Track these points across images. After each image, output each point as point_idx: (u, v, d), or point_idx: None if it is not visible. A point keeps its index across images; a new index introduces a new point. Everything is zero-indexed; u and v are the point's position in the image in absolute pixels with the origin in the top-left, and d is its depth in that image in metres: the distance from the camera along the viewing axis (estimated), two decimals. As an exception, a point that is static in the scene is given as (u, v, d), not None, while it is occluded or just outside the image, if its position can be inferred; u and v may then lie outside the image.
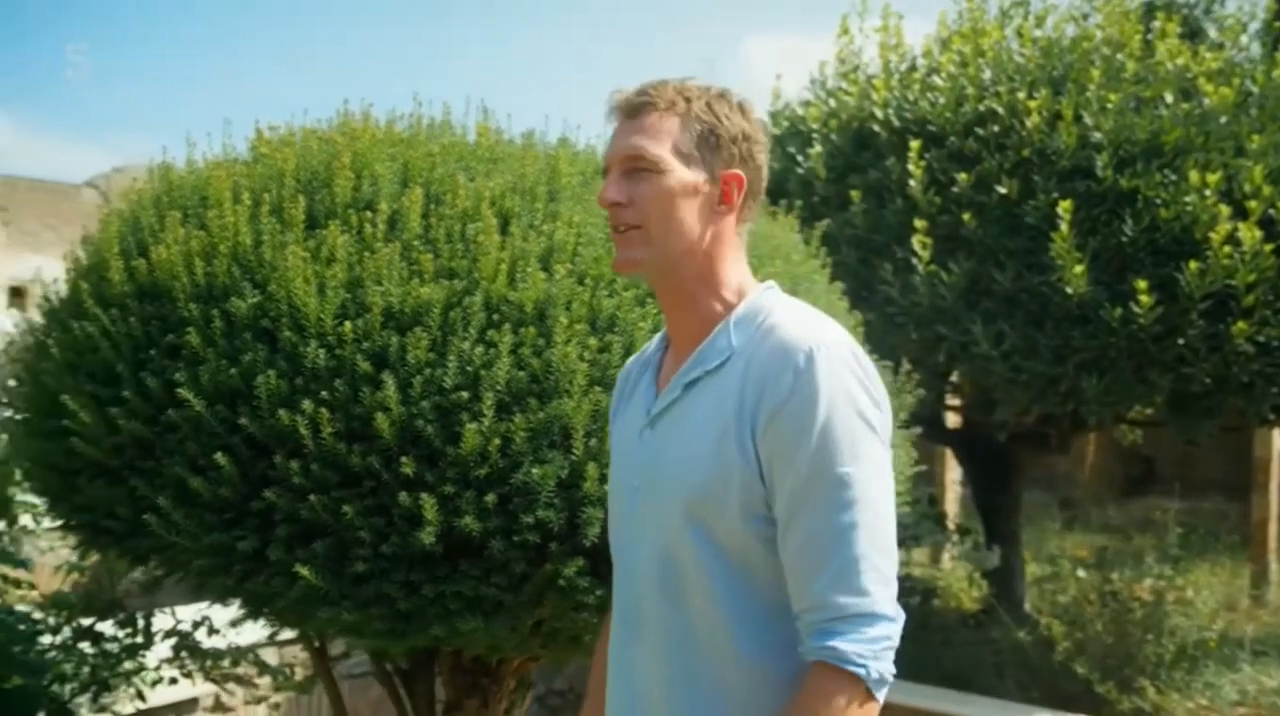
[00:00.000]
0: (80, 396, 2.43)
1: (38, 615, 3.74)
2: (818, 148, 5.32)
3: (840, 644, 1.29)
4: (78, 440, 2.43)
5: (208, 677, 3.93)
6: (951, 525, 7.84)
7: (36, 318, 3.23)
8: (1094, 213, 4.71)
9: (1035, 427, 6.31)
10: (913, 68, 5.54)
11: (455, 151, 2.60)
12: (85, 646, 3.70)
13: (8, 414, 3.32)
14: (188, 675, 3.88)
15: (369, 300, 2.24)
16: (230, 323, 2.31)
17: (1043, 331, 4.77)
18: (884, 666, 1.32)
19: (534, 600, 2.26)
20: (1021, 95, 4.95)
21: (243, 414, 2.25)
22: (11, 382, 3.33)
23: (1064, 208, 4.52)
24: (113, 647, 3.71)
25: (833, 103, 5.55)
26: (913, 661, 5.94)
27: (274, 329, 2.28)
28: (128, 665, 3.75)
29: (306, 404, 2.18)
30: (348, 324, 2.22)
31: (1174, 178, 4.64)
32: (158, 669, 3.83)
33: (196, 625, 3.78)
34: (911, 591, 6.75)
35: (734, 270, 1.47)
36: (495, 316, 2.26)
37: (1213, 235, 4.45)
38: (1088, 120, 4.77)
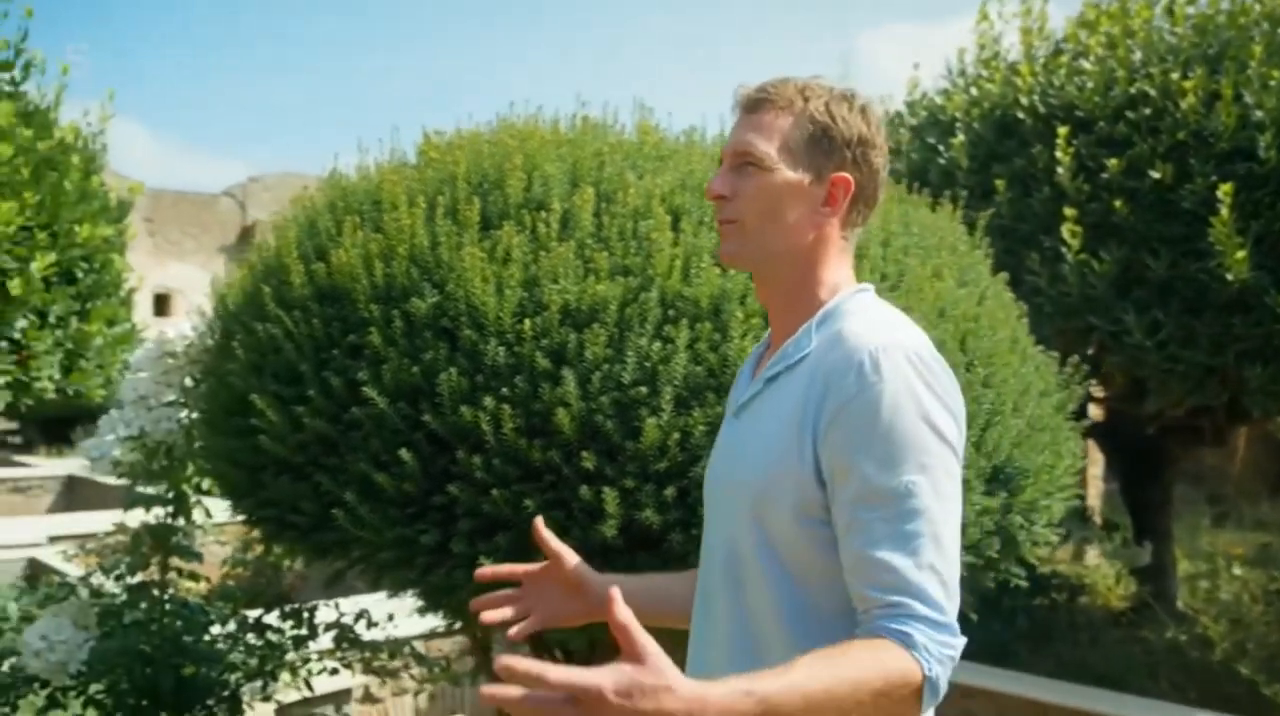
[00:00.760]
0: (266, 396, 2.52)
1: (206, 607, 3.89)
2: (960, 137, 5.22)
3: (914, 631, 1.21)
4: (264, 438, 2.53)
5: (367, 669, 4.04)
6: (1097, 520, 7.61)
7: (190, 324, 3.36)
8: (1255, 195, 4.51)
9: (1186, 420, 6.08)
10: (1057, 51, 5.39)
11: (622, 150, 2.62)
12: (251, 637, 3.84)
13: (183, 414, 3.47)
14: (348, 666, 4.00)
15: (546, 298, 2.27)
16: (410, 322, 2.37)
17: (1200, 319, 4.60)
18: (943, 673, 1.22)
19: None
20: (1175, 76, 4.77)
21: (424, 411, 2.31)
22: (188, 382, 3.48)
23: (1224, 191, 4.34)
24: (277, 638, 3.84)
25: (974, 91, 5.44)
26: (1062, 660, 5.82)
27: (454, 328, 2.33)
28: (291, 656, 3.87)
29: (488, 400, 2.23)
30: (526, 321, 2.26)
31: (1344, 157, 4.42)
32: (320, 660, 3.96)
33: (357, 618, 3.89)
34: (1058, 588, 6.58)
35: (834, 273, 1.44)
36: (671, 312, 2.27)
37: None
38: (1248, 99, 4.57)
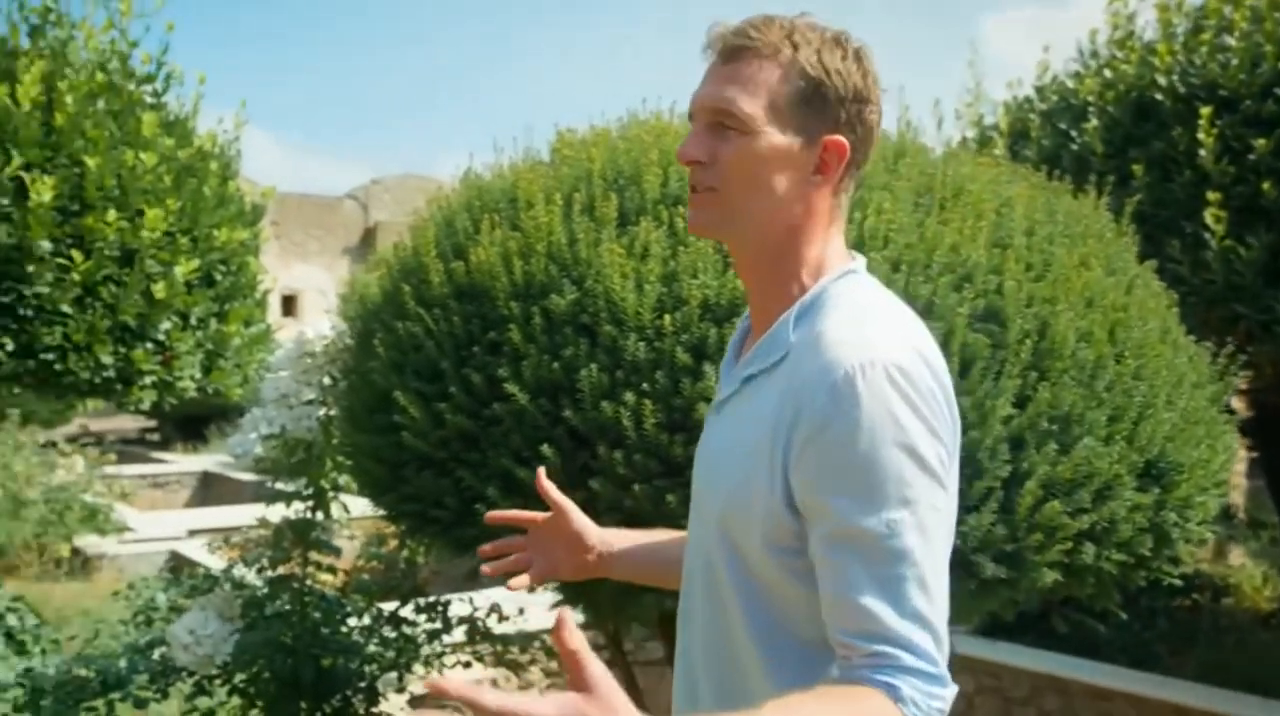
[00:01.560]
0: (408, 392, 2.56)
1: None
2: (1093, 121, 5.05)
3: (901, 683, 1.09)
4: (406, 434, 2.57)
5: (498, 662, 4.10)
6: (1242, 517, 7.29)
7: (329, 323, 3.44)
8: None
9: (1339, 413, 5.80)
10: (1198, 28, 5.16)
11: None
12: (387, 630, 3.92)
13: (322, 411, 3.56)
14: (480, 659, 4.06)
15: (686, 293, 2.26)
16: (550, 319, 2.39)
17: (1359, 307, 4.36)
18: None
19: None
20: (1327, 50, 4.54)
21: (565, 406, 2.32)
22: (326, 381, 3.57)
23: (1383, 171, 4.12)
24: (412, 631, 3.92)
25: (1107, 73, 5.25)
26: (1205, 664, 5.59)
27: (593, 324, 2.34)
28: (425, 649, 3.95)
29: (628, 396, 2.23)
30: (666, 317, 2.25)
31: None
32: (452, 652, 4.02)
33: (489, 612, 3.94)
34: (1200, 589, 6.33)
35: (820, 248, 1.27)
36: (813, 305, 2.23)
37: None
38: None
